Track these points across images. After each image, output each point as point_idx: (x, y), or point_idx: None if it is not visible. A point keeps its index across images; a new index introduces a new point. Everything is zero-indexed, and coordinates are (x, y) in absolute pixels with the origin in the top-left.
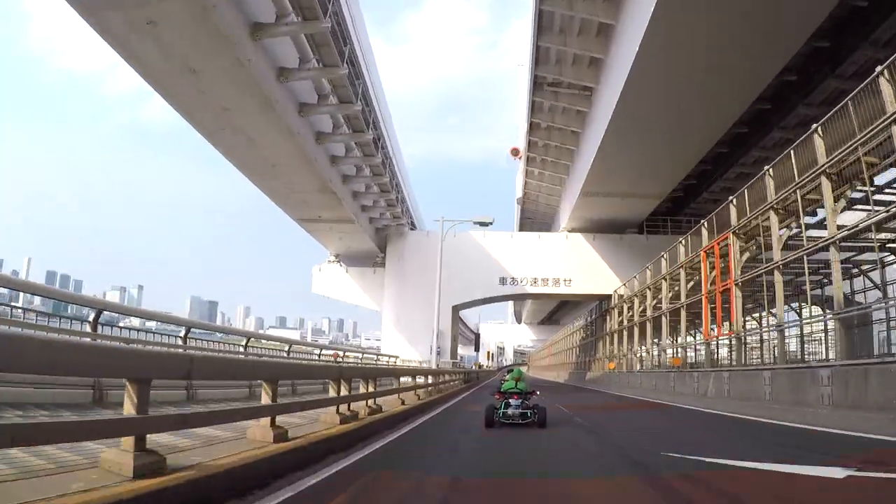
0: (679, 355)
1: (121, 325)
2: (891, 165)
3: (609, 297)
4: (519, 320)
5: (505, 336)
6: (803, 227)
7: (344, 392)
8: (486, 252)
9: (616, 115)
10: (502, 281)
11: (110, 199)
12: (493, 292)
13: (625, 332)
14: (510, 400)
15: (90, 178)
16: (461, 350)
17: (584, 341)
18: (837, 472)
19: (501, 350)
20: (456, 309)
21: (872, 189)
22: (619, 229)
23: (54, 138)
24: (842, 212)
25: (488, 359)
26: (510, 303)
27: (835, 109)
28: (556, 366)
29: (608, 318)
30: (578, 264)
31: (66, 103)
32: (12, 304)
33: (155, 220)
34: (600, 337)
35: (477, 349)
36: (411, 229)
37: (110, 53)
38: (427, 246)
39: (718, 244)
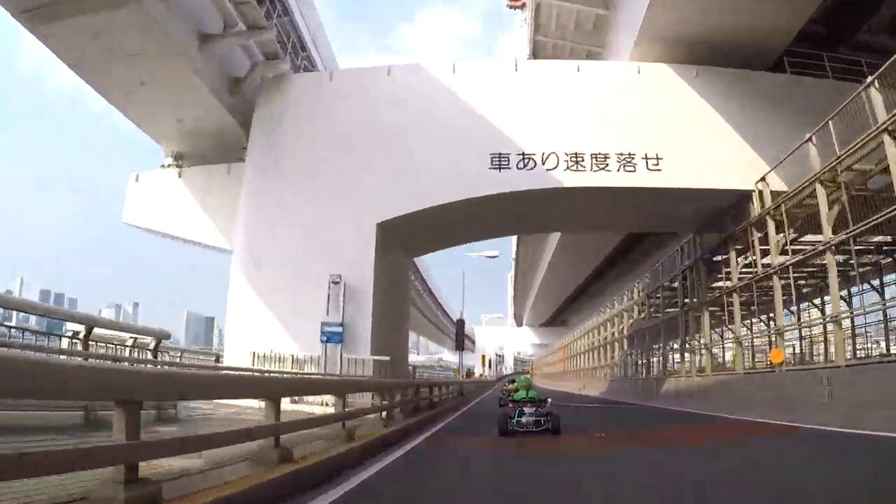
0: None
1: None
2: None
3: (744, 197)
4: (520, 323)
5: (504, 339)
6: None
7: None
8: (464, 105)
9: None
10: (498, 161)
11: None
12: (480, 188)
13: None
14: (524, 408)
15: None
16: (433, 346)
17: (648, 322)
18: None
19: (501, 358)
20: (385, 228)
21: None
22: (740, 61)
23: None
24: None
25: (484, 366)
26: (509, 302)
27: None
28: (574, 372)
29: (749, 244)
30: (666, 129)
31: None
32: (5, 323)
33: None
34: (711, 300)
35: (460, 346)
36: (304, 70)
37: None
38: (333, 99)
39: None
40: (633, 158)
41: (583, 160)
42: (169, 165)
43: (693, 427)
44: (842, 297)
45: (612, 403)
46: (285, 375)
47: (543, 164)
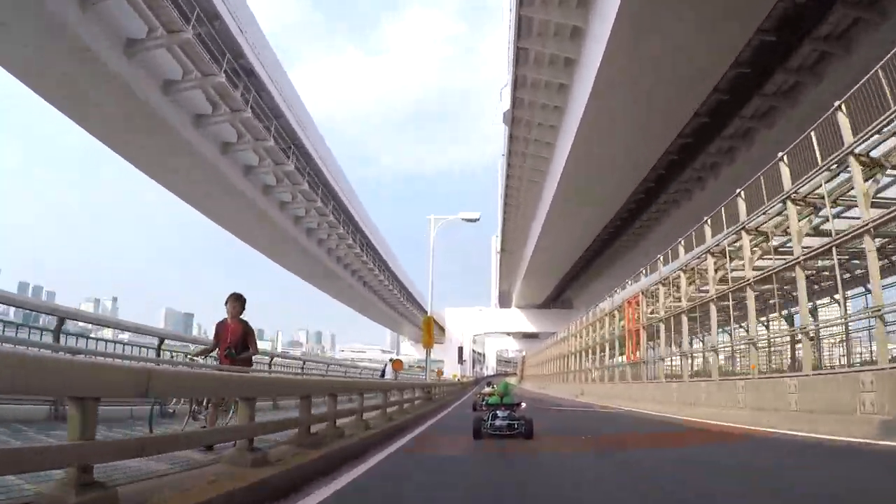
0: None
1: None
2: None
3: None
4: (506, 304)
5: (486, 323)
6: None
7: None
8: None
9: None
10: None
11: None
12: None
13: None
14: (497, 412)
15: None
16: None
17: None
18: None
19: (481, 357)
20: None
21: None
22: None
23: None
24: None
25: (462, 363)
26: (493, 279)
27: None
28: (569, 373)
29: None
30: None
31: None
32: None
33: (130, 232)
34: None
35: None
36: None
37: None
38: None
39: None
40: None
41: None
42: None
43: None
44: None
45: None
46: None
47: None
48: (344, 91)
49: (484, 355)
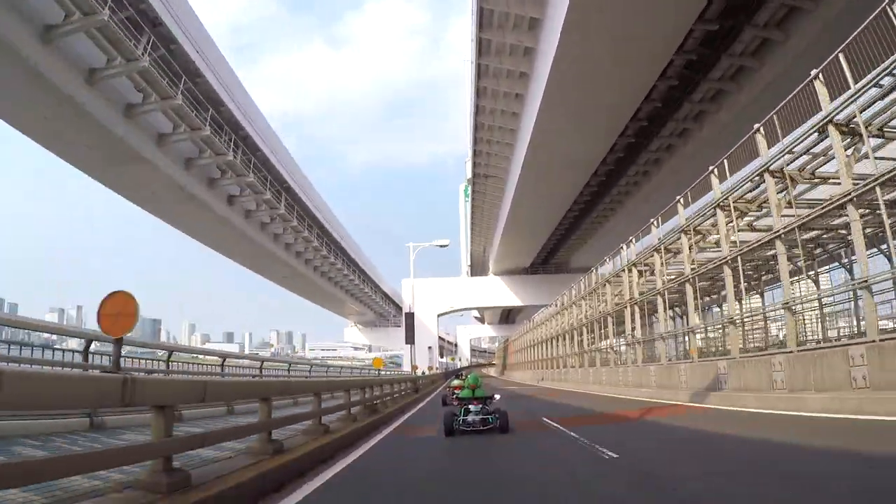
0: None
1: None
2: None
3: None
4: (482, 272)
5: (456, 297)
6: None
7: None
8: None
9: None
10: None
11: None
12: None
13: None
14: (469, 406)
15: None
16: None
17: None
18: None
19: (452, 347)
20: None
21: None
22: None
23: None
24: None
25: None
26: (463, 237)
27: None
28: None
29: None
30: None
31: None
32: None
33: (90, 238)
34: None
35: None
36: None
37: None
38: None
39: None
40: None
41: None
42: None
43: None
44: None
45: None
46: None
47: None
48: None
49: (456, 345)
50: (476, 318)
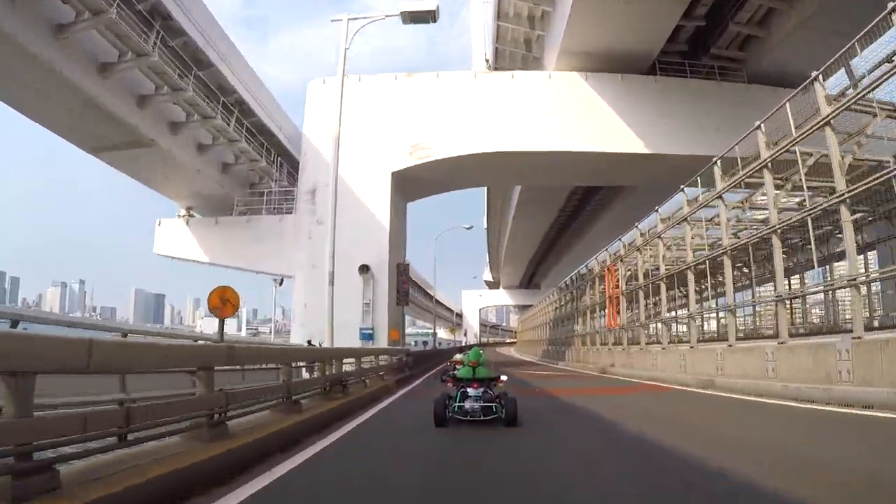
0: None
1: None
2: None
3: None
4: (496, 285)
5: (482, 300)
6: None
7: None
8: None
9: None
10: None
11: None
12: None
13: None
14: (468, 389)
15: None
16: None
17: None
18: None
19: (458, 318)
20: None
21: None
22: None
23: None
24: None
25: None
26: (485, 261)
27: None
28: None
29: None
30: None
31: None
32: None
33: (90, 211)
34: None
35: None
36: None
37: None
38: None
39: None
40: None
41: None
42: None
43: None
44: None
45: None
46: None
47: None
48: None
49: (462, 315)
50: (488, 281)
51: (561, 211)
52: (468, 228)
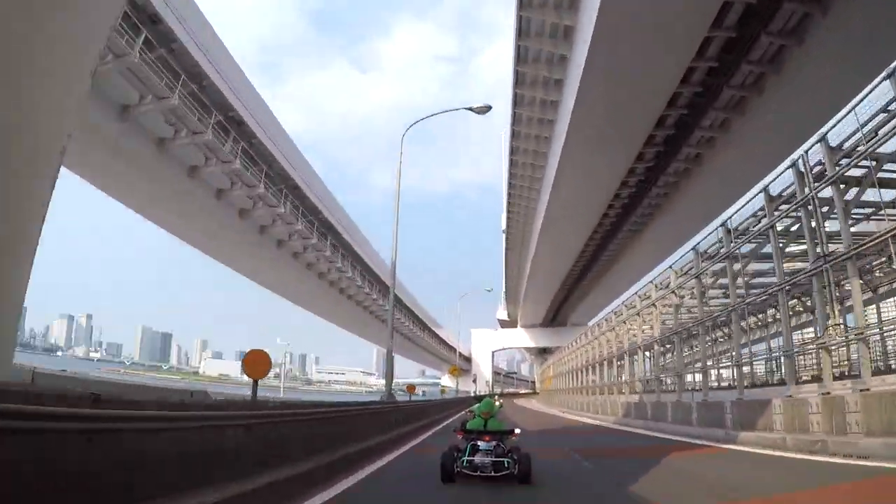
0: None
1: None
2: None
3: None
4: (513, 324)
5: (496, 340)
6: None
7: None
8: None
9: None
10: None
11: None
12: None
13: None
14: (479, 442)
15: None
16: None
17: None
18: None
19: (467, 363)
20: None
21: None
22: None
23: None
24: None
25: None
26: (499, 304)
27: None
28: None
29: None
30: None
31: None
32: None
33: (106, 250)
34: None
35: None
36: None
37: None
38: None
39: None
40: None
41: None
42: None
43: None
44: None
45: None
46: None
47: None
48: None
49: (471, 360)
50: (502, 320)
51: (594, 230)
52: (489, 291)
